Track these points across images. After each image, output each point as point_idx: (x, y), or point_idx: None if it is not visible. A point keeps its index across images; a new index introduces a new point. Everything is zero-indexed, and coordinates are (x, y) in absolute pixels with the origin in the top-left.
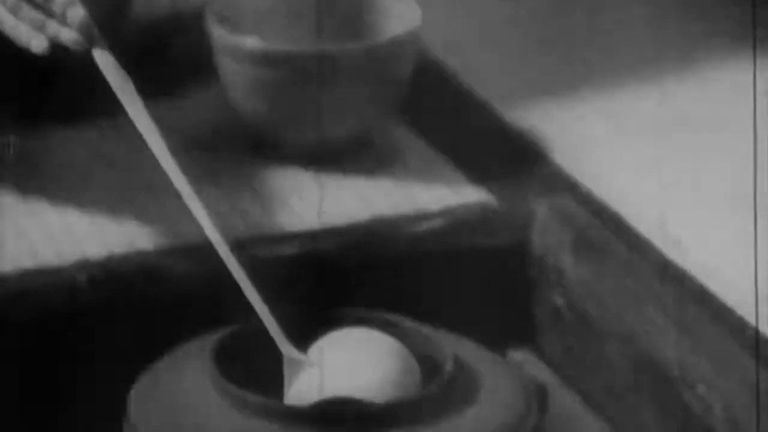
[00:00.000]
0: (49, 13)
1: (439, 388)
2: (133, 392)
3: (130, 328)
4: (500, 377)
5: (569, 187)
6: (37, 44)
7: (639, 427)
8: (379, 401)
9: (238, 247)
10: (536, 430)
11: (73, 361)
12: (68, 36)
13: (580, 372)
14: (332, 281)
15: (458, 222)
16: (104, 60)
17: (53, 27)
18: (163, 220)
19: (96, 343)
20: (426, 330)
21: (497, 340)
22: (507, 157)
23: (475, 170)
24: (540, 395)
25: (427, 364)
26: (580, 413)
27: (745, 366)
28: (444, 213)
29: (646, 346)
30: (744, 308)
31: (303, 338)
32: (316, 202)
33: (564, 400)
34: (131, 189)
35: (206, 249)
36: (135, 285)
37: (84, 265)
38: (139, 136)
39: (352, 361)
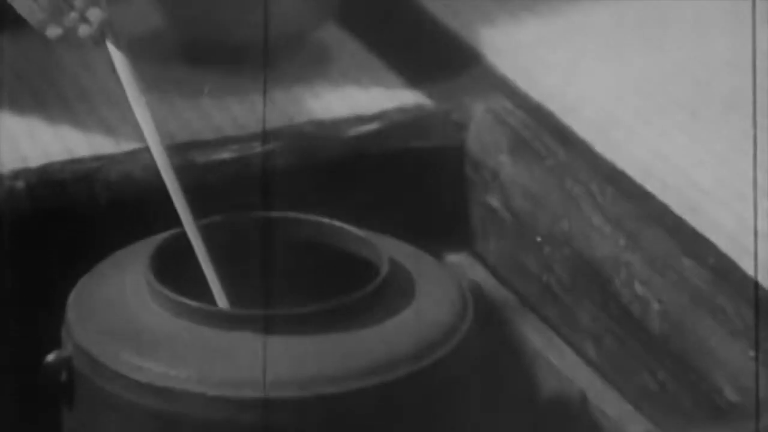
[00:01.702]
0: (70, 5)
1: (375, 289)
2: (71, 297)
3: (70, 234)
4: (436, 278)
5: (505, 88)
6: (52, 32)
7: (576, 326)
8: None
9: (176, 151)
10: (472, 330)
11: (12, 268)
12: (86, 32)
13: (518, 273)
14: (268, 185)
15: (394, 124)
16: (116, 54)
17: (71, 19)
18: (101, 127)
19: (35, 249)
20: (361, 233)
21: (434, 243)
22: (443, 58)
23: (411, 72)
24: (476, 295)
25: (363, 267)
26: (517, 312)
27: (681, 265)
28: (379, 116)
29: (583, 246)
30: (681, 207)
31: (237, 244)
32: (253, 105)
33: (501, 300)
34: (67, 97)
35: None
36: (73, 191)
37: (22, 173)
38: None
39: None
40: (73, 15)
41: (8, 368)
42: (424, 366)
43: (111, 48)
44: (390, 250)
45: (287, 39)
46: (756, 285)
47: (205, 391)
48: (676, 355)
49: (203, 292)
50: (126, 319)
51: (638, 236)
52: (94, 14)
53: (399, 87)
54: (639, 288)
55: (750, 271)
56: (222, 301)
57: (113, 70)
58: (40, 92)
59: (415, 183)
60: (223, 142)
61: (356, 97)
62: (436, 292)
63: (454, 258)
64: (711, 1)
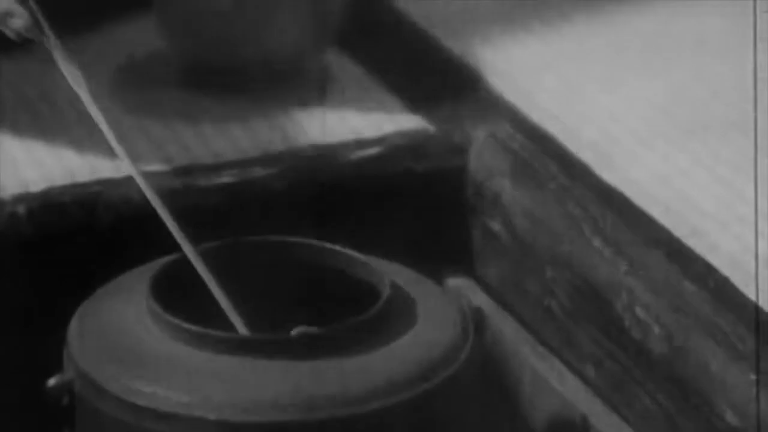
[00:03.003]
0: None
1: (377, 313)
2: (73, 321)
3: (72, 258)
4: (437, 302)
5: (506, 111)
6: None
7: (577, 350)
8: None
9: (176, 175)
10: (473, 354)
11: (14, 292)
12: (11, 35)
13: (518, 297)
14: (269, 210)
15: (394, 148)
16: (57, 50)
17: None
18: (102, 151)
19: (37, 273)
20: (362, 257)
21: (435, 267)
22: (444, 82)
23: (411, 96)
24: (477, 319)
25: (364, 291)
26: (518, 335)
27: (682, 288)
28: (380, 140)
29: (584, 269)
30: (682, 230)
31: (238, 268)
32: (255, 129)
33: (502, 323)
34: (69, 122)
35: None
36: (75, 215)
37: (24, 198)
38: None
39: None
40: None
41: (10, 391)
42: (425, 390)
43: (50, 45)
44: (391, 274)
45: (288, 63)
46: (757, 309)
47: (206, 415)
48: (677, 379)
49: (205, 317)
50: (128, 344)
51: (639, 260)
52: (14, 23)
53: (399, 111)
54: (640, 312)
55: (751, 295)
56: (236, 320)
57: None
58: (40, 115)
59: (415, 207)
60: (223, 166)
61: (357, 121)
62: (437, 316)
63: (455, 282)
64: (712, 22)
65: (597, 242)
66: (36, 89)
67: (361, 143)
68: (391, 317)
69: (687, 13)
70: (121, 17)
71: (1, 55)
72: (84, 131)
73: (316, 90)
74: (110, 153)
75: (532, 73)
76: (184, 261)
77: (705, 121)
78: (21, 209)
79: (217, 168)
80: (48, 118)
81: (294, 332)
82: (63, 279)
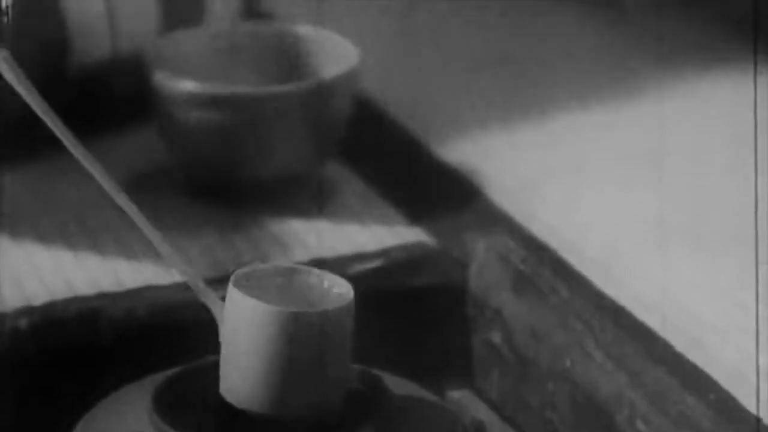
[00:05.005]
0: None
1: (377, 427)
2: None
3: (74, 372)
4: (438, 416)
5: (506, 224)
6: None
7: None
8: None
9: (180, 289)
10: None
11: (16, 406)
12: None
13: (520, 410)
14: None
15: (395, 262)
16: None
17: None
18: (103, 264)
19: (39, 387)
20: (364, 370)
21: (436, 380)
22: (444, 195)
23: (411, 209)
24: None
25: (364, 404)
26: None
27: (683, 402)
28: (381, 254)
29: (586, 383)
30: (683, 342)
31: None
32: (254, 243)
33: None
34: (70, 232)
35: (147, 291)
36: (77, 329)
37: (25, 311)
38: (79, 176)
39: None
40: None
41: None
42: None
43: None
44: (392, 387)
45: (289, 177)
46: (758, 421)
47: None
48: None
49: (207, 431)
50: None
51: (640, 373)
52: None
53: (400, 224)
54: (641, 425)
55: (752, 408)
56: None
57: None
58: (42, 228)
59: (416, 320)
60: (225, 278)
61: (357, 234)
62: (438, 429)
63: (457, 395)
64: (713, 134)
65: (598, 355)
66: (38, 201)
67: (361, 257)
68: (391, 430)
69: (688, 126)
70: (120, 129)
71: (4, 166)
72: (87, 243)
73: (316, 202)
74: (111, 267)
75: (531, 186)
76: (187, 375)
77: (705, 233)
78: (23, 323)
79: (219, 281)
80: (49, 231)
81: None
82: (65, 392)
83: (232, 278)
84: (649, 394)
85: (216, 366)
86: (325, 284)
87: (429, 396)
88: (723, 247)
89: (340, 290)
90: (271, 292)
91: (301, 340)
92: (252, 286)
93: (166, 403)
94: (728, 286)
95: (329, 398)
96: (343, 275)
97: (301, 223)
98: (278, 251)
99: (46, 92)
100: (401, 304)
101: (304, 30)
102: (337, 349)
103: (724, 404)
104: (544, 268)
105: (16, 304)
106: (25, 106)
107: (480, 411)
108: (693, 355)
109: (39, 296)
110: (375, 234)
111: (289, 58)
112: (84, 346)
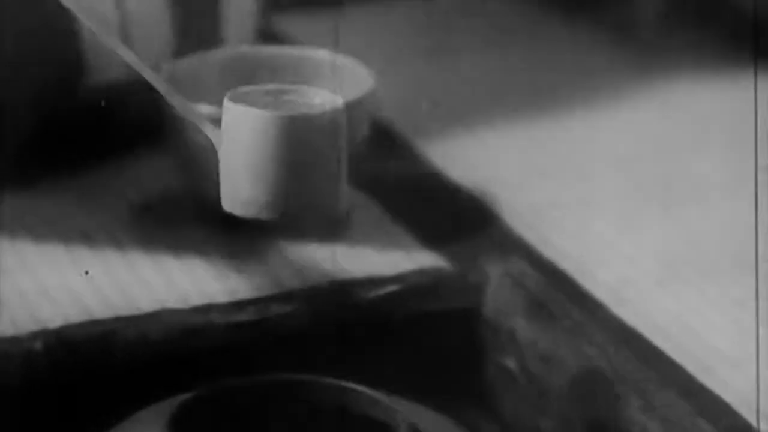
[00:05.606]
0: None
1: None
2: None
3: (88, 395)
4: None
5: (521, 249)
6: None
7: None
8: None
9: (194, 313)
10: None
11: (29, 430)
12: None
13: None
14: (284, 347)
15: (411, 287)
16: None
17: None
18: (117, 286)
19: (53, 411)
20: (379, 396)
21: (450, 404)
22: (460, 220)
23: (428, 234)
24: None
25: (380, 431)
26: None
27: (696, 427)
28: (396, 278)
29: (598, 407)
30: (695, 368)
31: (254, 407)
32: (269, 267)
33: None
34: (81, 255)
35: (162, 315)
36: (91, 352)
37: (39, 334)
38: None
39: None
40: None
41: None
42: None
43: None
44: (407, 413)
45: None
46: None
47: None
48: None
49: None
50: None
51: (653, 398)
52: None
53: (415, 248)
54: None
55: None
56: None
57: None
58: (51, 251)
59: (431, 344)
60: (240, 304)
61: (374, 258)
62: None
63: (470, 419)
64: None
65: (611, 379)
66: (47, 225)
67: (377, 281)
68: None
69: (699, 157)
70: (133, 150)
71: (17, 190)
72: (101, 268)
73: (333, 227)
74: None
75: (546, 212)
76: (202, 399)
77: (717, 262)
78: (38, 346)
79: (234, 306)
80: (61, 254)
81: None
82: (78, 416)
83: (226, 98)
84: (662, 418)
85: (233, 391)
86: (317, 100)
87: (445, 421)
88: (733, 275)
89: (331, 103)
90: (267, 107)
91: (299, 142)
92: (247, 104)
93: (181, 429)
94: (738, 314)
95: (329, 194)
96: (357, 300)
97: (317, 247)
98: (294, 276)
99: (59, 112)
100: (416, 328)
101: (321, 54)
102: (333, 148)
103: (736, 429)
104: (558, 293)
105: (29, 328)
106: (29, 127)
107: None
108: (704, 380)
109: (53, 319)
110: (391, 259)
111: (305, 83)
112: (98, 369)
